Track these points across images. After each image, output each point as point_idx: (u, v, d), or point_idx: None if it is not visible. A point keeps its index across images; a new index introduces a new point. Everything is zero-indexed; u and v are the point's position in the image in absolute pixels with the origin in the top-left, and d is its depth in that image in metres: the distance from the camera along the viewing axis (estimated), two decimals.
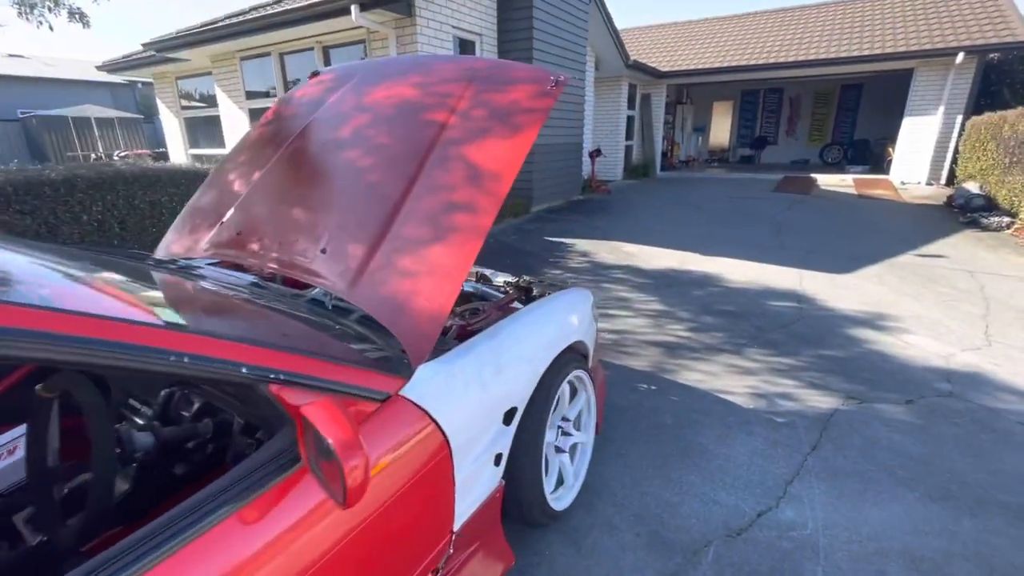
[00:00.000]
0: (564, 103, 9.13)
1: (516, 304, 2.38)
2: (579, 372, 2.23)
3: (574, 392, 2.32)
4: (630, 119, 14.24)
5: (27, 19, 8.17)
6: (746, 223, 7.93)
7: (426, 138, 1.94)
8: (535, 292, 2.53)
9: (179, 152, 11.24)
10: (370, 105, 2.25)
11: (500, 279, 2.74)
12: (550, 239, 7.04)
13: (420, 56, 2.88)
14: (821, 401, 2.91)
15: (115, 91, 21.54)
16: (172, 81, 10.69)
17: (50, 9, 8.21)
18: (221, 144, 9.78)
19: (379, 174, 1.92)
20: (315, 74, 2.67)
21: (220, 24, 7.50)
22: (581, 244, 6.76)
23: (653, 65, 13.86)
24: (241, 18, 7.21)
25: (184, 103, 10.80)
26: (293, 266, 1.85)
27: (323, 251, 1.82)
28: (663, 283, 5.15)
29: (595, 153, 11.53)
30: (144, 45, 8.70)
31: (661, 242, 6.77)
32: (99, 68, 10.97)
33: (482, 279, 2.74)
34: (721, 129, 19.43)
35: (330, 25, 6.63)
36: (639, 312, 4.37)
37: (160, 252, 2.26)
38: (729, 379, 3.20)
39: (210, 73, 9.34)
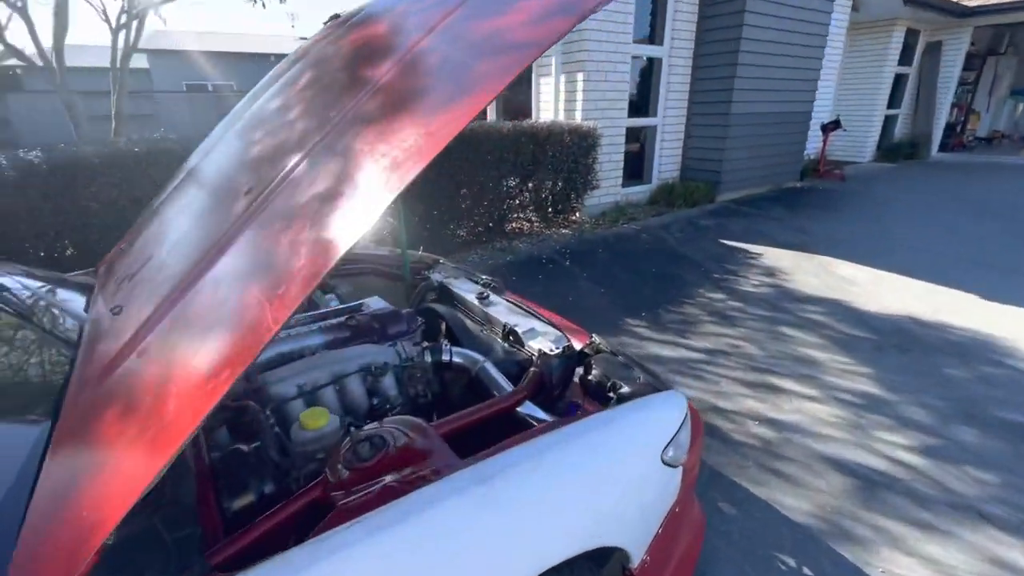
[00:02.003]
0: (788, 56, 6.84)
1: (529, 412, 1.35)
2: None
3: None
4: (898, 79, 10.46)
5: None
6: None
7: (322, 122, 1.04)
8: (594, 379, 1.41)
9: None
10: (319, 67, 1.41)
11: (540, 342, 1.66)
12: (727, 243, 5.33)
13: None
14: None
15: None
16: None
17: None
18: None
19: (218, 196, 1.09)
20: (334, 17, 1.89)
21: None
22: (771, 256, 4.93)
23: None
24: None
25: None
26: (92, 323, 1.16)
27: (114, 311, 1.07)
28: (892, 342, 3.25)
29: (831, 126, 8.69)
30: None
31: (906, 267, 4.50)
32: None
33: (511, 337, 1.71)
34: None
35: None
36: (830, 394, 2.73)
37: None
38: None
39: None
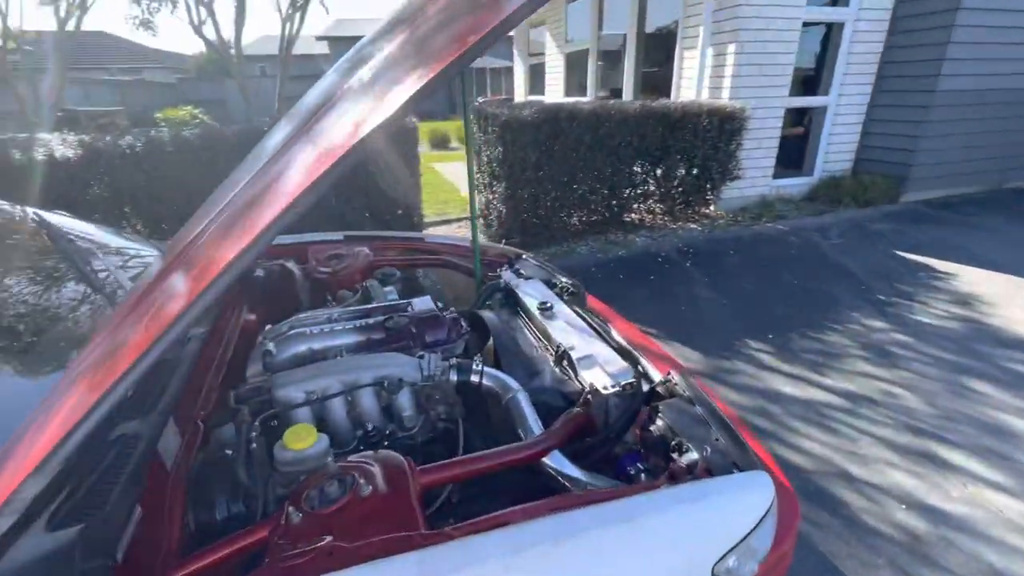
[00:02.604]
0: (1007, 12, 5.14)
1: (557, 466, 1.12)
2: None
3: None
4: None
5: None
6: None
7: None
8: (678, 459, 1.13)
9: (520, 98, 12.17)
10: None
11: (597, 373, 1.38)
12: (905, 256, 4.24)
13: None
14: None
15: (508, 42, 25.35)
16: (525, 29, 11.36)
17: None
18: (541, 91, 9.94)
19: None
20: None
21: None
22: (968, 278, 3.79)
23: None
24: None
25: (531, 51, 11.41)
26: None
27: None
28: None
29: None
30: None
31: None
32: None
33: (563, 362, 1.45)
34: None
35: None
36: None
37: None
38: None
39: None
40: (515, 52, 12.38)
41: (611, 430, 1.31)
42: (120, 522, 0.80)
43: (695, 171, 4.91)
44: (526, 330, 1.68)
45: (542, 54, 10.21)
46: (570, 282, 2.02)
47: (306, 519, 0.86)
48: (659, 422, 1.24)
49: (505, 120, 3.82)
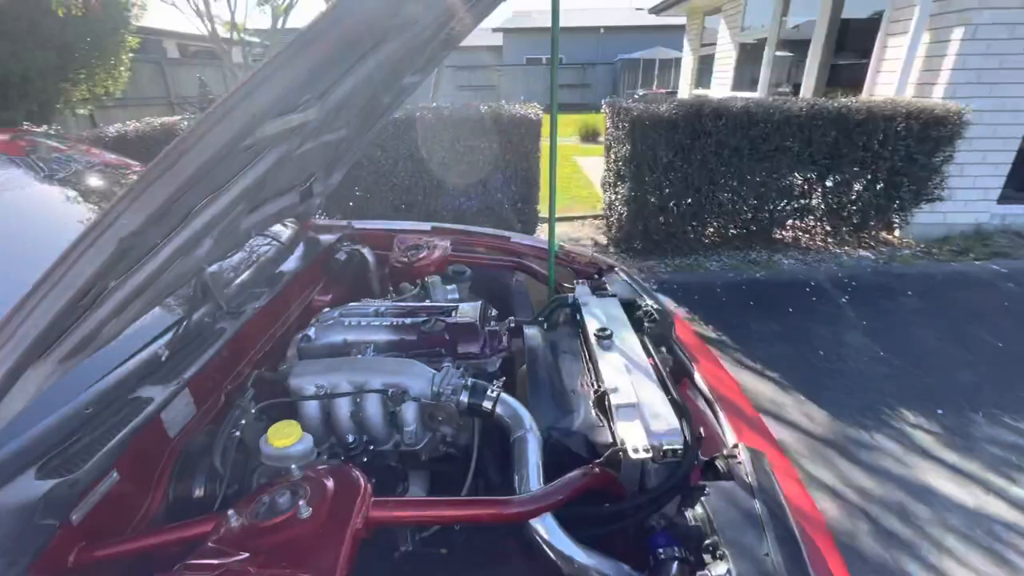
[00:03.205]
0: None
1: (546, 533, 0.95)
2: None
3: None
4: None
5: None
6: None
7: None
8: None
9: (684, 91, 11.31)
10: None
11: (635, 427, 1.16)
12: None
13: None
14: None
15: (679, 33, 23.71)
16: (700, 17, 10.46)
17: None
18: (707, 84, 9.05)
19: None
20: None
21: None
22: None
23: None
24: None
25: (704, 40, 10.48)
26: None
27: None
28: None
29: None
30: None
31: None
32: (650, 11, 11.99)
33: (601, 402, 1.24)
34: None
35: None
36: None
37: None
38: None
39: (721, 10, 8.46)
40: (685, 41, 11.52)
41: (637, 502, 1.07)
42: (87, 485, 0.84)
43: (879, 186, 3.99)
44: (578, 357, 1.47)
45: (714, 44, 9.30)
46: (656, 307, 1.74)
47: (241, 528, 0.82)
48: (699, 509, 0.98)
49: (636, 116, 3.49)
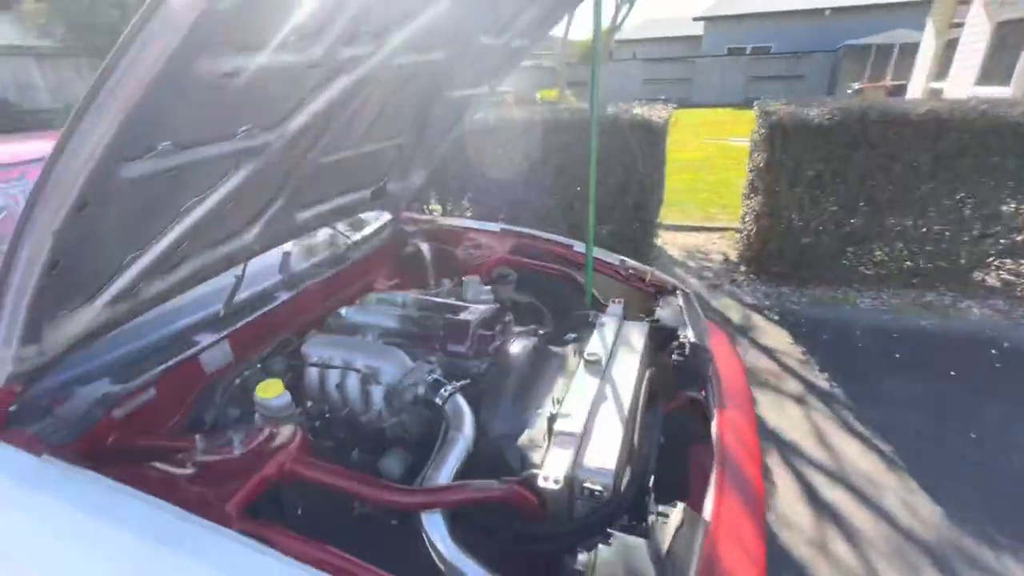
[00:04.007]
0: None
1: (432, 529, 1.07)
2: None
3: None
4: None
5: None
6: None
7: None
8: None
9: (917, 85, 9.22)
10: None
11: (557, 457, 1.21)
12: None
13: None
14: None
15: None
16: None
17: None
18: (942, 76, 7.21)
19: None
20: None
21: None
22: None
23: None
24: None
25: (956, 19, 8.33)
26: None
27: None
28: None
29: None
30: None
31: None
32: None
33: (551, 425, 1.26)
34: None
35: None
36: None
37: None
38: None
39: None
40: (928, 21, 9.33)
41: (546, 530, 1.09)
42: (129, 393, 1.19)
43: None
44: (567, 376, 1.45)
45: (963, 24, 7.37)
46: (692, 341, 1.63)
47: (201, 451, 1.09)
48: (592, 554, 0.96)
49: (777, 118, 3.04)
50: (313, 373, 1.44)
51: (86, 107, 0.64)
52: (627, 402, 1.29)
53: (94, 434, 1.12)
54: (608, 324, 1.62)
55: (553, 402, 1.31)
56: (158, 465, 1.04)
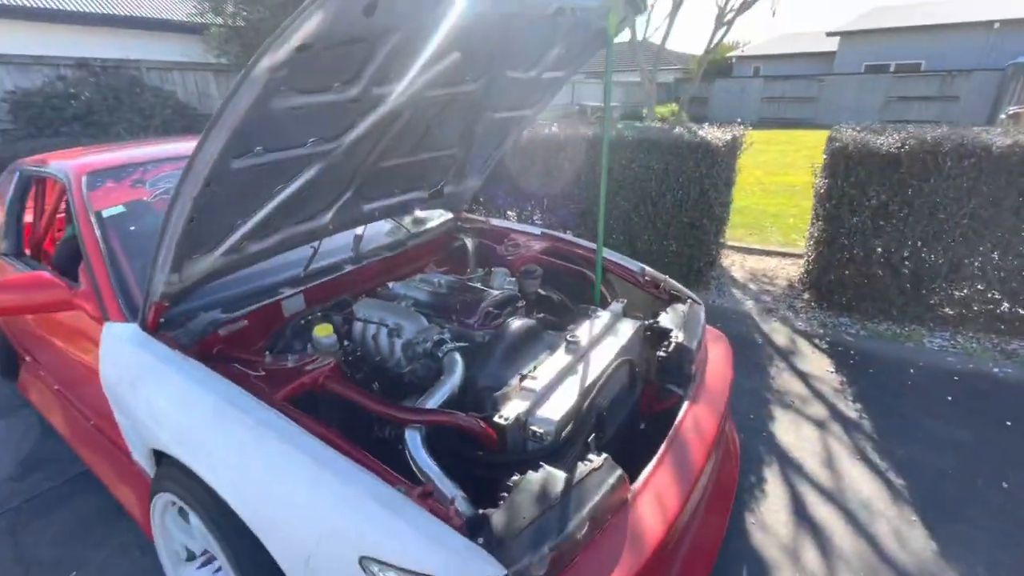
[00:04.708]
0: None
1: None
2: None
3: None
4: None
5: None
6: None
7: None
8: None
9: None
10: None
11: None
12: None
13: None
14: None
15: None
16: None
17: None
18: None
19: None
20: None
21: None
22: None
23: None
24: None
25: None
26: None
27: None
28: None
29: None
30: None
31: None
32: None
33: (521, 381, 1.57)
34: None
35: None
36: None
37: None
38: None
39: None
40: None
41: (495, 458, 1.40)
42: (229, 320, 1.70)
43: None
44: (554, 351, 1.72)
45: None
46: (679, 342, 1.85)
47: (272, 361, 1.55)
48: (521, 477, 1.24)
49: (840, 145, 3.00)
50: (358, 326, 1.88)
51: (212, 125, 1.10)
52: (591, 377, 1.56)
53: (206, 343, 1.63)
54: (602, 317, 1.89)
55: (532, 368, 1.61)
56: (239, 366, 1.52)
